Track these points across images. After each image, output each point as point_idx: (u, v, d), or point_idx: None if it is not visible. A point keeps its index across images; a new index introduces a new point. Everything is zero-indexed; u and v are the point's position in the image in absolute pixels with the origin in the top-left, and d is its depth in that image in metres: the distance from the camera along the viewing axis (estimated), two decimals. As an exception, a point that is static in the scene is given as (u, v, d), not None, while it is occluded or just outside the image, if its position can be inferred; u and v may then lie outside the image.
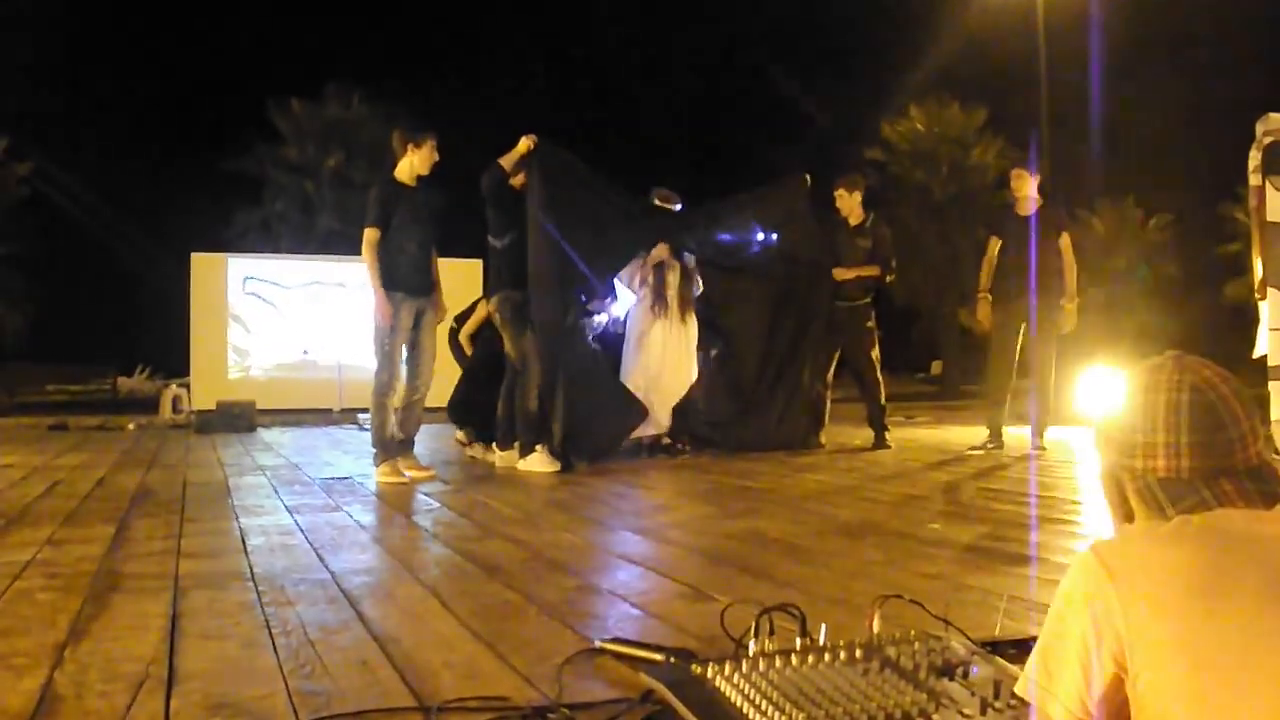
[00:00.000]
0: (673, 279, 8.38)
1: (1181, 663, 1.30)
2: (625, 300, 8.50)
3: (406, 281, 6.81)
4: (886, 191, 27.26)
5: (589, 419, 7.68)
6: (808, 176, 9.30)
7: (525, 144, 7.60)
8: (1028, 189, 8.45)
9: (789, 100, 31.95)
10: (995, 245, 8.50)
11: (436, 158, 6.99)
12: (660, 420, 8.36)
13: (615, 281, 8.38)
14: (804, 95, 31.80)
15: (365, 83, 31.34)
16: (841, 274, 8.76)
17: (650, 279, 8.33)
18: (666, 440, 8.46)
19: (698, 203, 9.11)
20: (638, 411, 8.10)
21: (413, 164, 6.92)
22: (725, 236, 9.05)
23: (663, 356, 8.29)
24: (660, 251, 8.39)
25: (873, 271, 8.82)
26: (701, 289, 8.65)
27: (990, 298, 8.43)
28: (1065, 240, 8.35)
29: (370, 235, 6.75)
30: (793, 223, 9.07)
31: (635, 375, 8.25)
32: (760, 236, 9.04)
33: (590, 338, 8.25)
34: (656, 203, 8.53)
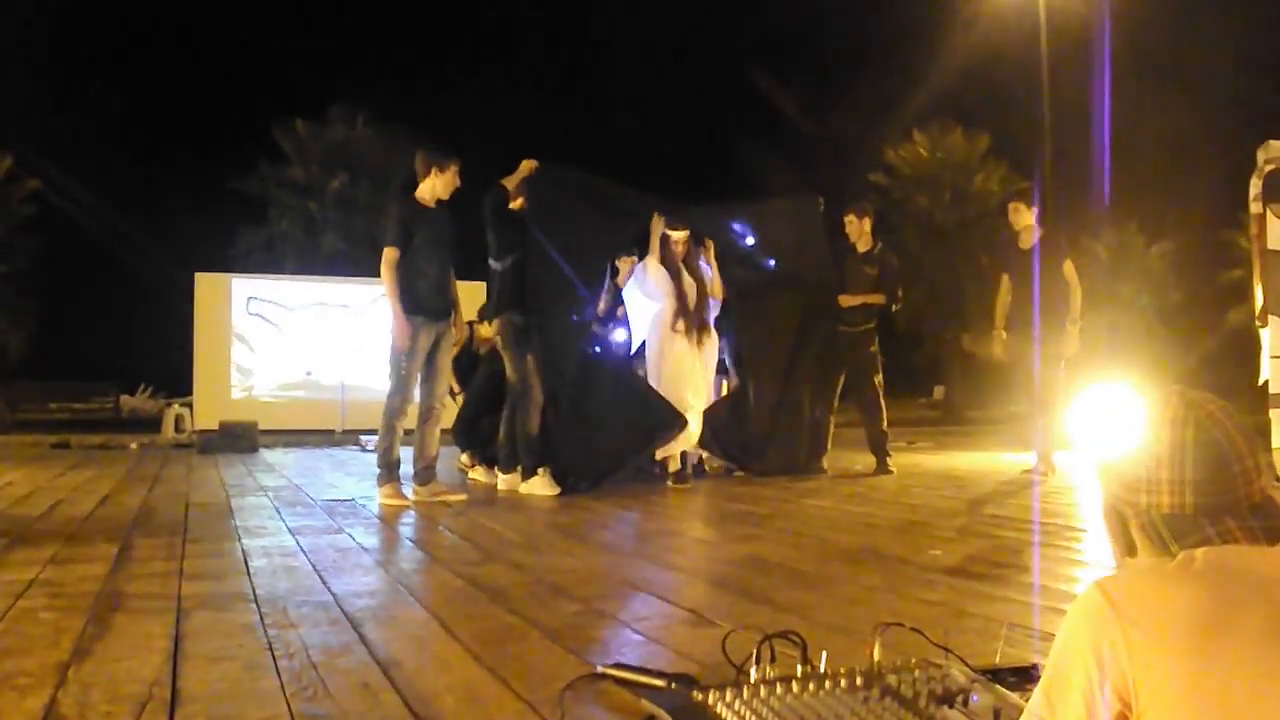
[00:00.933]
0: (690, 291, 8.19)
1: (1187, 703, 1.31)
2: (639, 310, 8.35)
3: (426, 304, 6.80)
4: (890, 216, 27.28)
5: (589, 443, 7.69)
6: (821, 199, 9.32)
7: (527, 166, 7.66)
8: (1026, 220, 8.49)
9: (791, 123, 31.85)
10: (1005, 281, 8.52)
11: (459, 183, 6.99)
12: (690, 436, 8.11)
13: (632, 283, 8.25)
14: (806, 118, 31.72)
15: (369, 104, 31.43)
16: (847, 300, 8.77)
17: (668, 288, 8.10)
18: (675, 469, 8.11)
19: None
20: (667, 423, 7.94)
21: (434, 187, 6.90)
22: (741, 233, 8.98)
23: (679, 375, 8.08)
24: (678, 238, 8.17)
25: (878, 299, 8.83)
26: (721, 299, 8.49)
27: (1004, 335, 8.45)
28: (1069, 266, 8.37)
29: (390, 255, 6.73)
30: (804, 244, 9.06)
31: (668, 395, 8.06)
32: (749, 240, 8.99)
33: (595, 349, 8.27)
34: (667, 231, 8.23)
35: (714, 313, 8.43)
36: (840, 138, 31.47)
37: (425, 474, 6.91)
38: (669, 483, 7.92)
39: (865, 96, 30.57)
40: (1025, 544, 4.97)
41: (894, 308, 9.02)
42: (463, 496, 7.03)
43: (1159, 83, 26.99)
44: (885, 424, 8.95)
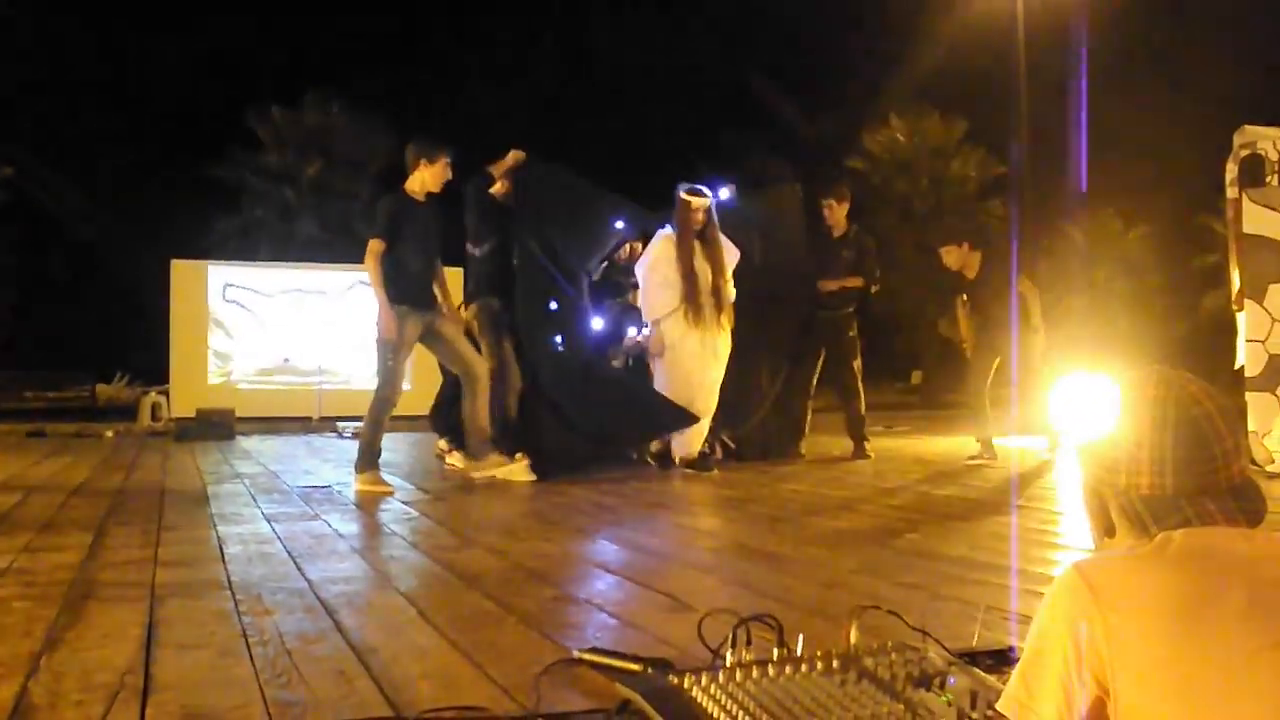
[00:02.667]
0: (704, 273, 7.66)
1: (1165, 685, 1.30)
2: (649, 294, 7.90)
3: (411, 296, 6.80)
4: (868, 201, 27.30)
5: (563, 431, 7.66)
6: (798, 186, 9.34)
7: (514, 157, 7.69)
8: (958, 260, 8.59)
9: (770, 108, 31.81)
10: (959, 304, 8.88)
11: (450, 175, 6.96)
12: (690, 444, 7.80)
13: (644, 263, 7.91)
14: (785, 103, 31.69)
15: (345, 91, 31.24)
16: (827, 285, 8.76)
17: (674, 274, 7.60)
18: (684, 455, 7.85)
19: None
20: (666, 423, 7.79)
21: (424, 180, 6.88)
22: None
23: (695, 373, 7.68)
24: (698, 205, 7.63)
25: (857, 283, 8.84)
26: (735, 260, 7.97)
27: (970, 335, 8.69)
28: (1025, 282, 8.57)
29: (375, 245, 6.71)
30: (782, 231, 9.08)
31: (678, 397, 7.69)
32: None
33: (564, 338, 8.23)
34: (683, 196, 7.72)
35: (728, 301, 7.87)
36: (819, 125, 31.48)
37: (481, 448, 6.96)
38: (680, 466, 7.79)
39: (843, 83, 30.62)
40: (1003, 527, 4.98)
41: (872, 289, 9.03)
42: (531, 477, 7.09)
43: (1136, 68, 27.07)
44: (864, 408, 8.97)
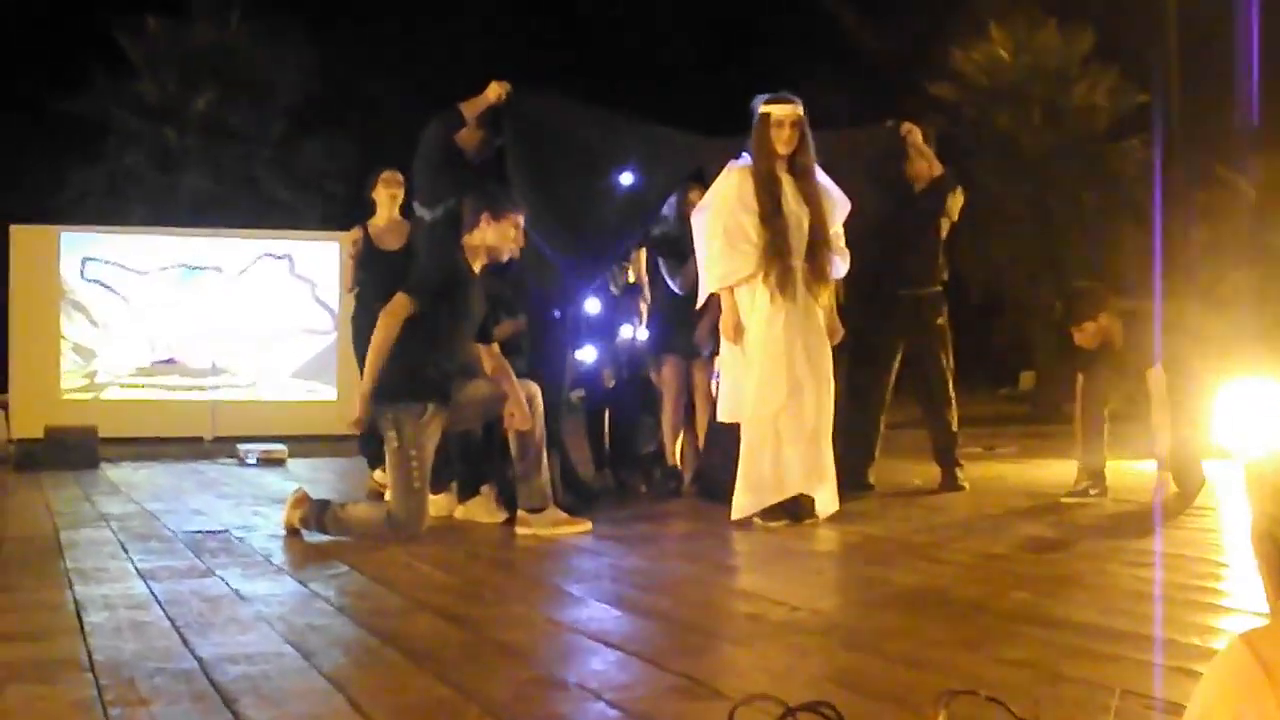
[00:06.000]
0: (797, 218, 7.06)
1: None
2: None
3: (434, 386, 6.77)
4: (958, 140, 27.23)
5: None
6: (911, 125, 9.02)
7: (495, 91, 7.69)
8: (1089, 339, 8.43)
9: (830, 16, 31.74)
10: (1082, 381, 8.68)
11: (523, 242, 6.97)
12: (825, 500, 7.16)
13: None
14: (850, 9, 31.63)
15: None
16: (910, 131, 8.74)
17: (750, 222, 6.98)
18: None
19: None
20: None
21: (486, 238, 6.85)
22: None
23: (798, 370, 7.03)
24: (784, 115, 7.05)
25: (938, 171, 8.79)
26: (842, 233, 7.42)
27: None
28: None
29: (404, 303, 6.66)
30: (873, 191, 8.75)
31: (756, 412, 7.05)
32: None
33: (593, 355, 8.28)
34: (763, 108, 7.17)
35: (840, 266, 7.41)
36: (893, 36, 31.43)
37: (539, 496, 6.84)
38: (760, 521, 7.01)
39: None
40: (1143, 583, 4.97)
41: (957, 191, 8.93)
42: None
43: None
44: (955, 423, 8.95)
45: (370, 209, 9.35)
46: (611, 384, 9.38)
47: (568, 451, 8.09)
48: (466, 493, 7.45)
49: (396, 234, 8.96)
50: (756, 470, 6.96)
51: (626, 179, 8.25)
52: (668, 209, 8.60)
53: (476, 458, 7.50)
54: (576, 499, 7.17)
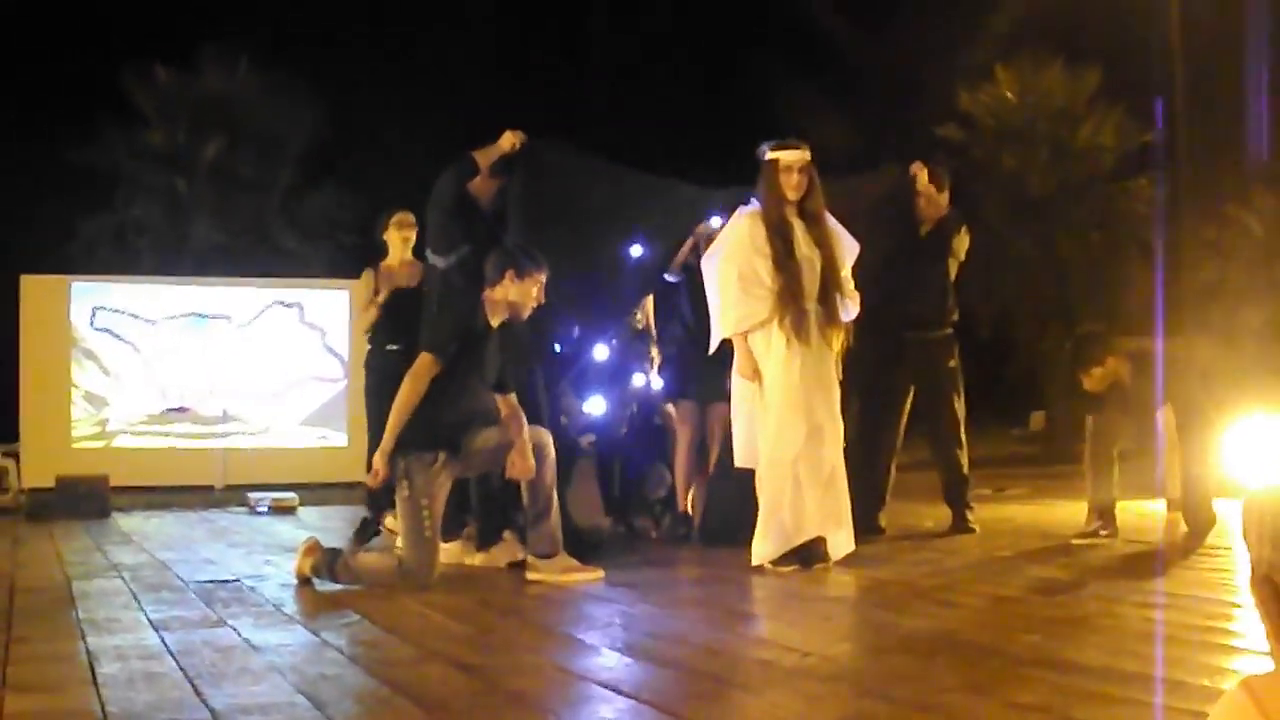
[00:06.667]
0: (809, 262, 7.11)
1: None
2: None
3: (448, 435, 6.80)
4: (966, 181, 27.20)
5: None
6: (895, 168, 9.04)
7: (509, 140, 7.72)
8: (1098, 383, 8.49)
9: (833, 54, 31.74)
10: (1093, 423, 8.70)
11: (542, 300, 6.96)
12: (840, 542, 7.13)
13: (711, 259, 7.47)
14: (854, 47, 31.65)
15: (253, 45, 31.25)
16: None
17: (764, 266, 7.02)
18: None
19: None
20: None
21: (508, 295, 6.88)
22: None
23: (817, 414, 7.04)
24: (792, 162, 7.10)
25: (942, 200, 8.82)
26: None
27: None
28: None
29: (428, 363, 6.67)
30: (882, 234, 8.77)
31: (774, 456, 7.03)
32: None
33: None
34: (771, 154, 7.23)
35: (851, 309, 7.40)
36: (898, 75, 31.48)
37: (549, 542, 6.83)
38: (770, 565, 6.97)
39: (931, 20, 30.60)
40: (1154, 624, 4.97)
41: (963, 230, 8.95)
42: (598, 573, 6.85)
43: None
44: (966, 465, 8.94)
45: (381, 250, 9.33)
46: (624, 431, 9.39)
47: (565, 500, 8.08)
48: (487, 540, 7.45)
49: (409, 276, 8.94)
50: (776, 516, 6.95)
51: (636, 251, 8.30)
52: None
53: (499, 505, 7.49)
54: (576, 549, 7.13)
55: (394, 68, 33.59)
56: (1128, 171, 27.56)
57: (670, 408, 9.14)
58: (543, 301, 6.94)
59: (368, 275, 9.22)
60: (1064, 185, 28.96)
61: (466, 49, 33.78)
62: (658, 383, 9.37)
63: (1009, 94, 29.81)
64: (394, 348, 8.55)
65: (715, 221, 8.26)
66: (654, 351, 9.40)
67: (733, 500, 7.76)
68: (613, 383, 9.28)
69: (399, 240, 9.10)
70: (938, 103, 29.77)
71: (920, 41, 30.94)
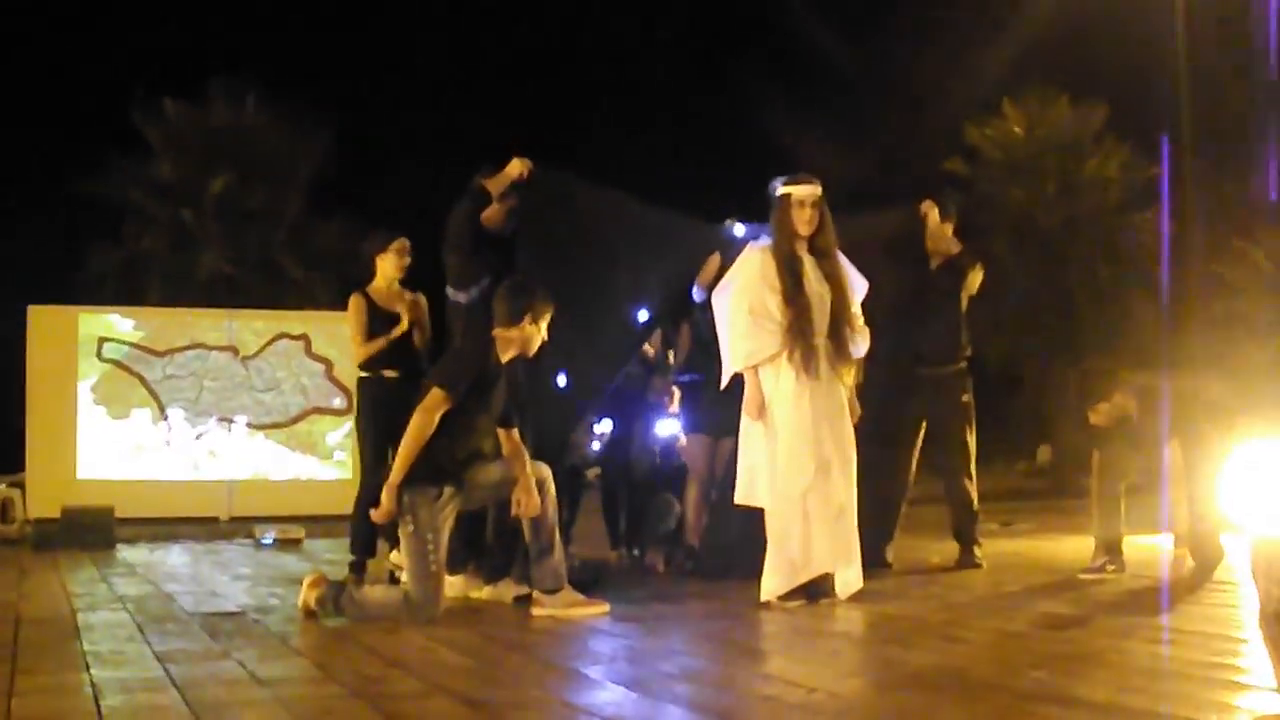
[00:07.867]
0: (819, 298, 7.10)
1: None
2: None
3: (449, 469, 6.79)
4: (973, 215, 27.26)
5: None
6: (930, 204, 9.07)
7: (518, 168, 7.71)
8: (1105, 418, 8.52)
9: (841, 89, 31.90)
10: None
11: (544, 338, 6.96)
12: (849, 580, 7.12)
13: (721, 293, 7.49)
14: (860, 79, 31.77)
15: (261, 79, 31.37)
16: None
17: (774, 301, 7.01)
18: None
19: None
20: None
21: (525, 339, 6.90)
22: None
23: (826, 449, 7.01)
24: (804, 197, 7.08)
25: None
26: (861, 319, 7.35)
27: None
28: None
29: (439, 398, 6.65)
30: (893, 271, 8.82)
31: (784, 491, 6.98)
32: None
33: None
34: (782, 189, 7.23)
35: (861, 345, 7.36)
36: (905, 110, 31.55)
37: (553, 577, 6.79)
38: (777, 601, 6.93)
39: (939, 55, 30.67)
40: (1161, 660, 4.96)
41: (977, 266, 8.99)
42: (603, 608, 6.80)
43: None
44: (976, 501, 8.91)
45: (367, 270, 9.00)
46: (646, 464, 9.40)
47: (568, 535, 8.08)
48: (497, 574, 7.44)
49: (399, 302, 8.76)
50: (786, 552, 6.91)
51: (642, 316, 8.31)
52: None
53: (508, 539, 7.47)
54: (573, 586, 7.10)
55: (400, 99, 33.79)
56: (1134, 205, 27.62)
57: (683, 440, 9.14)
58: (548, 337, 6.95)
59: (359, 301, 8.82)
60: (1071, 219, 29.04)
61: (472, 80, 33.95)
62: (673, 426, 9.39)
63: (1016, 129, 29.93)
64: (392, 374, 8.49)
65: (739, 229, 8.30)
66: (667, 383, 9.40)
67: (732, 534, 7.77)
68: (622, 410, 9.28)
69: (396, 267, 8.80)
70: (944, 136, 29.83)
71: (928, 76, 30.98)
